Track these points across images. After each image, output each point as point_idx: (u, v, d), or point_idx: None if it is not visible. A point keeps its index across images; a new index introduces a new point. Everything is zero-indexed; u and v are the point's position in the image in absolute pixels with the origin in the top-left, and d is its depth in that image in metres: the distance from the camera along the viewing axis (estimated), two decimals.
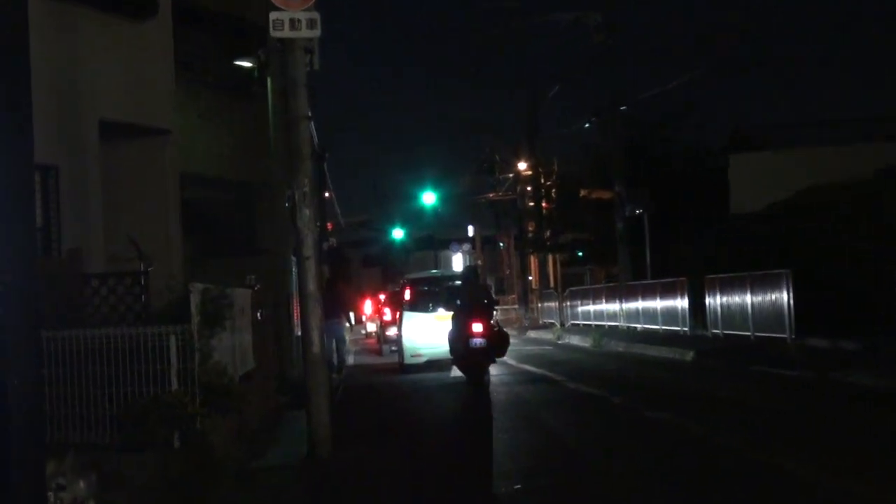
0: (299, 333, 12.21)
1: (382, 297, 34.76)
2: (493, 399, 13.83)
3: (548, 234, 38.04)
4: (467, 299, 16.20)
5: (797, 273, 17.64)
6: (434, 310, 19.83)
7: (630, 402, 12.35)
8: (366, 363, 24.52)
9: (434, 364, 19.46)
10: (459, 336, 15.75)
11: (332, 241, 38.21)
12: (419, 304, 20.20)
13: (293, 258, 15.45)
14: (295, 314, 16.93)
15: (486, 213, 48.77)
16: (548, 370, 17.82)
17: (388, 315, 28.53)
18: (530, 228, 39.69)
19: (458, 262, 53.01)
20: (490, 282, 37.19)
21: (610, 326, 28.55)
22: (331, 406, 9.62)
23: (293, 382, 14.31)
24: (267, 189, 16.86)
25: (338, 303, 20.39)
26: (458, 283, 18.32)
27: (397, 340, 21.22)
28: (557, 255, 41.56)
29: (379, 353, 27.93)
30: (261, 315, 12.13)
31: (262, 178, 16.86)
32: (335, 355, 19.85)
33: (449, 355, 16.96)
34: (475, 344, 15.41)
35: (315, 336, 9.50)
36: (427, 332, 19.46)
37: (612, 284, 30.51)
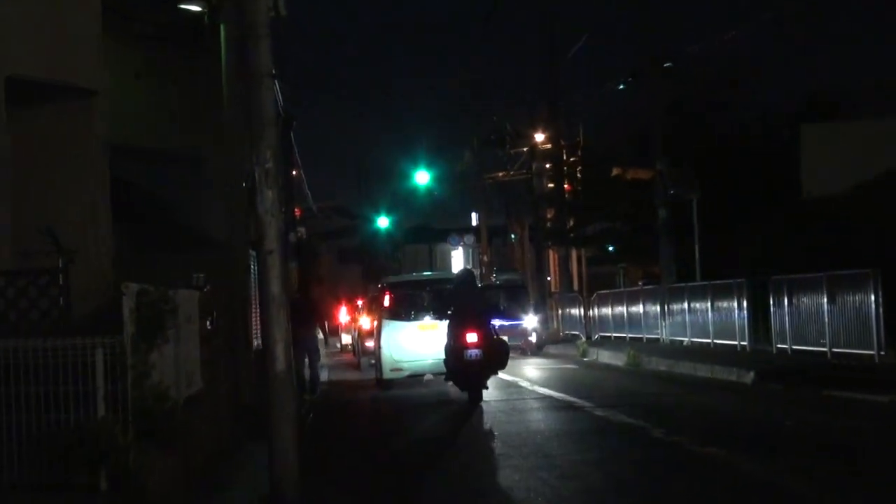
0: (260, 346, 12.18)
1: (360, 302, 35.43)
2: (502, 429, 13.87)
3: (571, 223, 37.98)
4: (462, 306, 17.49)
5: (889, 273, 17.58)
6: (417, 318, 21.20)
7: (674, 435, 12.32)
8: (342, 379, 25.67)
9: (417, 379, 20.89)
10: (452, 347, 17.04)
11: (302, 231, 38.21)
12: (400, 312, 21.58)
13: (252, 252, 15.46)
14: (254, 322, 16.91)
15: (493, 197, 48.72)
16: (571, 394, 17.84)
17: (366, 323, 29.57)
18: (549, 216, 39.62)
19: (458, 259, 53.02)
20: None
21: (648, 340, 28.55)
22: (299, 436, 9.57)
23: (252, 407, 14.29)
24: (220, 165, 16.83)
25: (310, 309, 20.52)
26: (448, 287, 19.66)
27: (375, 352, 22.35)
28: (583, 251, 41.53)
29: (357, 366, 29.39)
30: (211, 324, 12.11)
31: (213, 152, 16.84)
32: (307, 371, 20.08)
33: (434, 369, 18.66)
34: (470, 356, 16.72)
35: (280, 350, 9.43)
36: (409, 343, 20.78)
37: (651, 287, 30.49)
